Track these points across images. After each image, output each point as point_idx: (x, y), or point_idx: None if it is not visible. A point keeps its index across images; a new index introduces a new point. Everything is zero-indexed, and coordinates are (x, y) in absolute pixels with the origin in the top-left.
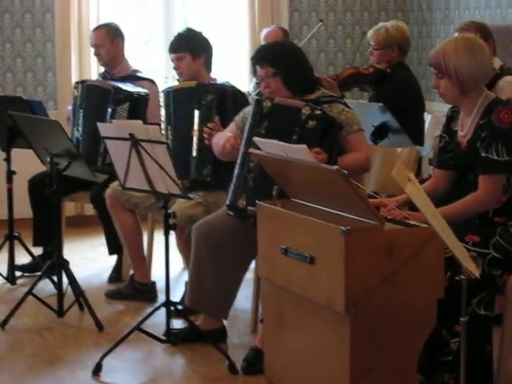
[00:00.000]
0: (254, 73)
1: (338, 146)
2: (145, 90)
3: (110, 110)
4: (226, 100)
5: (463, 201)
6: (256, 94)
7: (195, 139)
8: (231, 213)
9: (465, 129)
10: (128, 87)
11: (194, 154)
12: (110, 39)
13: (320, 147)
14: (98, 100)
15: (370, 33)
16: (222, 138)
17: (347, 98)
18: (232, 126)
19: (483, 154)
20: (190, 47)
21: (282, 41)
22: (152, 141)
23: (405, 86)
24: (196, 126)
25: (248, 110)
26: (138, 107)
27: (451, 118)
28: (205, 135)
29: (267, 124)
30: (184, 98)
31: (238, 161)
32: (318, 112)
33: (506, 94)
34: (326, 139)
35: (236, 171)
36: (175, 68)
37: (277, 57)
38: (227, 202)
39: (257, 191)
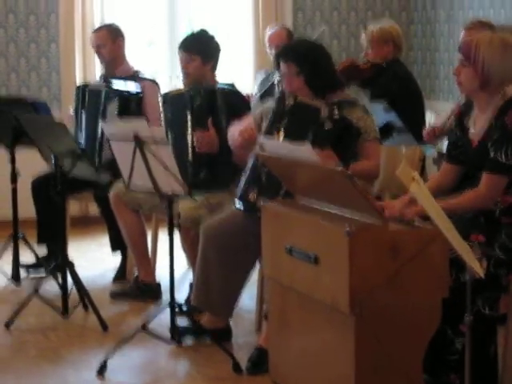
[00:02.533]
0: (278, 68)
1: (352, 152)
2: (137, 90)
3: (101, 108)
4: (216, 101)
5: (464, 195)
6: (265, 91)
7: (189, 143)
8: (239, 205)
9: (477, 127)
10: (120, 85)
11: (190, 157)
12: (111, 39)
13: (333, 150)
14: (95, 103)
15: (363, 35)
16: (237, 130)
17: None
18: (250, 119)
19: (492, 155)
20: (203, 52)
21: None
22: (157, 141)
23: (401, 79)
24: (189, 130)
25: (267, 106)
26: (129, 104)
27: (464, 113)
28: (195, 143)
29: (287, 121)
30: (179, 102)
31: (254, 154)
32: (336, 115)
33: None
34: (340, 143)
35: (250, 164)
36: (183, 67)
37: (302, 56)
38: (238, 195)
39: (268, 187)
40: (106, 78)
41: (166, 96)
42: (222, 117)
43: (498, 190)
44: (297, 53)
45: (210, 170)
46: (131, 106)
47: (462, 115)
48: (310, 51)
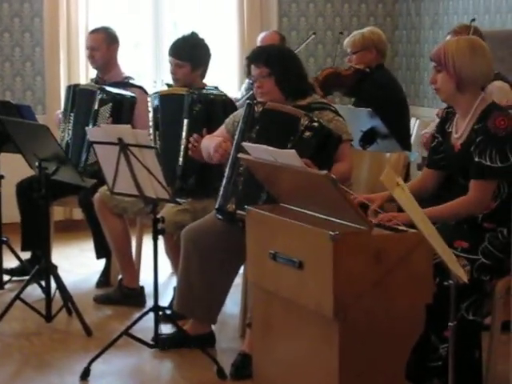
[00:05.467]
0: (248, 73)
1: (331, 159)
2: (131, 94)
3: (93, 111)
4: (216, 110)
5: (453, 203)
6: (248, 98)
7: (182, 147)
8: (220, 216)
9: (459, 131)
10: (113, 89)
11: (180, 162)
12: (106, 44)
13: (313, 159)
14: (86, 103)
15: (346, 40)
16: (211, 143)
17: (335, 103)
18: (222, 129)
19: (476, 159)
20: (192, 58)
21: (278, 44)
22: (141, 145)
23: (385, 86)
24: (184, 135)
25: (239, 114)
26: (122, 109)
27: (446, 118)
28: (189, 146)
29: (258, 128)
30: (174, 104)
31: (228, 164)
32: (315, 124)
33: (494, 99)
34: (320, 152)
35: (226, 174)
36: (172, 72)
37: (272, 57)
38: (216, 206)
39: (246, 195)
40: (98, 82)
41: (157, 94)
42: (217, 127)
43: (488, 196)
44: (267, 55)
45: (199, 176)
46: (124, 109)
47: (443, 121)
48: (280, 53)
